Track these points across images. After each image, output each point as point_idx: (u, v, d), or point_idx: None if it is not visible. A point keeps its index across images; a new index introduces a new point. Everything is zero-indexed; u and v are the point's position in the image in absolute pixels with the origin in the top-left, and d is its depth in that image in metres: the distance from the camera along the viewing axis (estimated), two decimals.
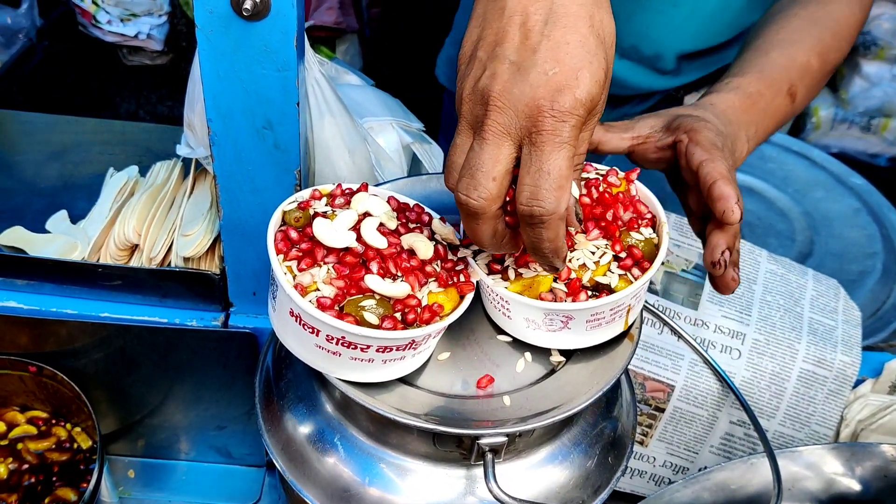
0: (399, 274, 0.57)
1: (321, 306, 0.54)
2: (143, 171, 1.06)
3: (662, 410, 0.91)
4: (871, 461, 0.86)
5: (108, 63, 2.51)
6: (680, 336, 0.89)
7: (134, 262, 0.92)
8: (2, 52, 2.12)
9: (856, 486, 0.88)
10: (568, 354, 0.63)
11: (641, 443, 0.93)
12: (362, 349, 0.55)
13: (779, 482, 0.76)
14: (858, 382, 0.93)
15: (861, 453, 0.86)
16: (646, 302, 0.89)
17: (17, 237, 0.96)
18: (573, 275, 0.59)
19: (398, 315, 0.55)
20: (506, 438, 0.57)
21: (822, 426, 0.91)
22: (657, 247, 0.61)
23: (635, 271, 0.59)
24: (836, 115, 2.24)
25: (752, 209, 1.18)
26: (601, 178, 0.64)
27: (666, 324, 0.89)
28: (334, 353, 0.56)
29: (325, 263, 0.56)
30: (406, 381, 0.60)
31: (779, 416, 0.91)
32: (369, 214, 0.59)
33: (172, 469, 1.05)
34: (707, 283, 0.93)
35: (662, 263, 0.93)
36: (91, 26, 2.34)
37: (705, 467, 0.91)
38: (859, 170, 1.30)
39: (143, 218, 0.92)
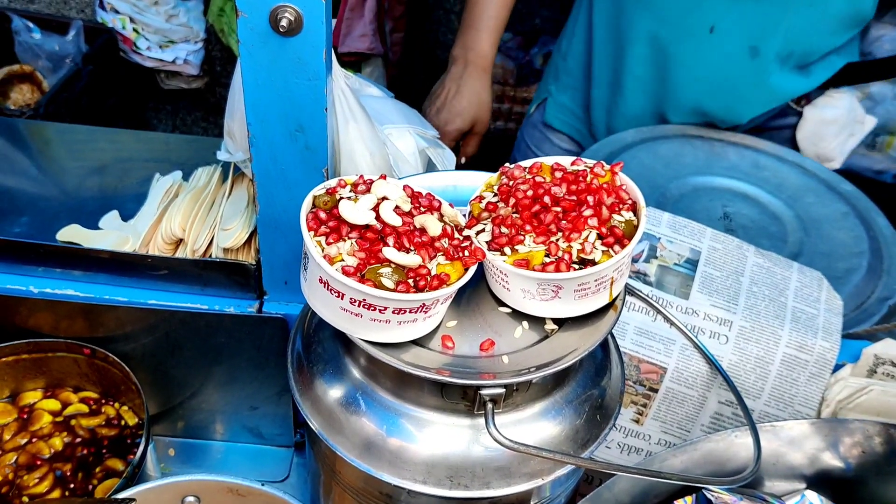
0: (412, 248, 0.67)
1: (345, 273, 0.64)
2: (185, 177, 1.17)
3: (656, 391, 0.99)
4: (849, 437, 0.93)
5: (147, 86, 2.65)
6: (672, 323, 0.98)
7: (179, 254, 1.02)
8: (50, 75, 2.27)
9: (838, 463, 0.94)
10: (560, 323, 0.72)
11: (637, 421, 1.01)
12: (380, 311, 0.65)
13: (758, 448, 0.83)
14: (839, 367, 1.00)
15: (840, 429, 0.93)
16: (640, 292, 0.98)
17: (74, 234, 1.07)
18: (560, 252, 0.68)
19: (411, 282, 0.65)
20: (503, 389, 0.66)
21: (805, 406, 0.99)
22: (636, 227, 0.70)
23: (616, 247, 0.69)
24: None
25: (746, 213, 1.26)
26: (589, 170, 0.73)
27: (659, 312, 0.98)
28: (356, 315, 0.66)
29: (349, 238, 0.66)
30: (419, 343, 0.70)
31: (764, 397, 0.99)
32: (387, 198, 0.69)
33: (209, 448, 1.15)
34: (697, 275, 1.01)
35: (656, 258, 1.02)
36: (132, 52, 2.48)
37: None
38: (866, 186, 1.37)
39: (188, 215, 1.03)
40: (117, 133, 1.31)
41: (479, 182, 0.81)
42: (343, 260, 0.65)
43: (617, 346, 0.82)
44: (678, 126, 1.43)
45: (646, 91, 1.43)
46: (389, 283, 0.64)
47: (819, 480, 0.95)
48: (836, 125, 1.42)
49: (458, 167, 1.49)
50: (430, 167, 1.06)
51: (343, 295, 0.64)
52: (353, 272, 0.64)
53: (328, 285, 0.65)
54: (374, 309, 0.65)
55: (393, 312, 0.65)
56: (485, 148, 2.81)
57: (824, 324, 1.00)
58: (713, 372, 0.98)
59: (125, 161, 1.24)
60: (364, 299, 0.64)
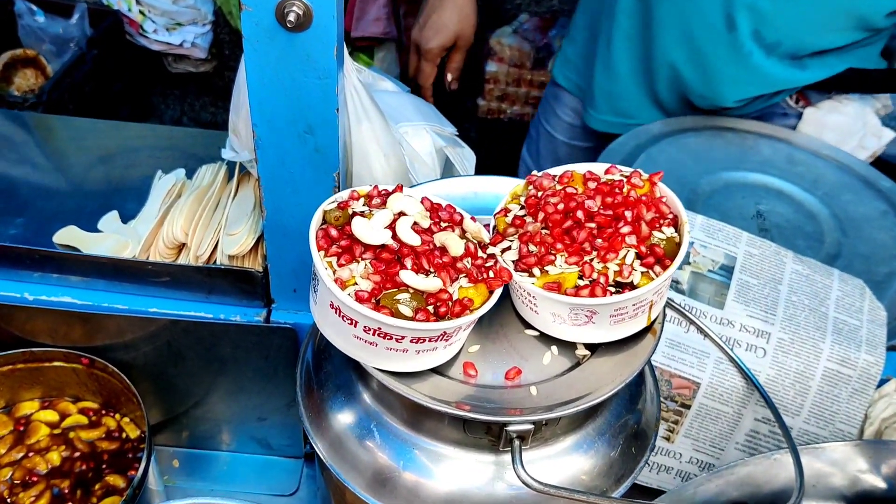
0: (432, 270, 0.60)
1: (359, 299, 0.58)
2: (189, 174, 1.11)
3: (688, 407, 0.93)
4: (894, 458, 0.87)
5: (154, 70, 2.59)
6: (706, 334, 0.92)
7: (181, 260, 0.97)
8: (54, 60, 2.20)
9: (881, 484, 0.89)
10: (593, 348, 0.66)
11: (668, 439, 0.95)
12: (397, 339, 0.59)
13: (801, 476, 0.77)
14: (883, 382, 0.94)
15: (885, 451, 0.87)
16: (672, 301, 0.92)
17: (72, 236, 1.02)
18: (595, 274, 0.62)
19: (431, 308, 0.59)
20: (532, 426, 0.60)
21: (847, 424, 0.93)
22: (678, 245, 0.64)
23: (657, 268, 0.62)
24: None
25: (780, 211, 1.19)
26: (626, 180, 0.67)
27: (692, 322, 0.92)
28: (371, 344, 0.60)
29: (362, 259, 0.60)
30: (438, 371, 0.64)
31: (803, 414, 0.93)
32: (404, 214, 0.63)
33: (215, 459, 1.10)
34: (733, 283, 0.95)
35: (689, 263, 0.96)
36: (138, 35, 2.42)
37: None
38: (893, 172, 1.30)
39: (191, 218, 0.97)
40: (117, 126, 1.25)
41: (500, 188, 0.75)
42: (356, 284, 0.59)
43: (651, 368, 0.76)
44: (707, 117, 1.36)
45: (631, 48, 1.38)
46: (407, 311, 0.58)
47: (859, 501, 0.90)
48: (837, 132, 1.33)
49: (448, 90, 1.53)
50: (447, 167, 0.99)
51: (356, 322, 0.59)
52: (368, 298, 0.58)
53: (340, 311, 0.59)
54: (391, 338, 0.59)
55: (411, 342, 0.59)
56: (501, 134, 2.74)
57: (868, 336, 0.94)
58: (749, 387, 0.92)
59: (126, 155, 1.18)
60: (379, 328, 0.58)
